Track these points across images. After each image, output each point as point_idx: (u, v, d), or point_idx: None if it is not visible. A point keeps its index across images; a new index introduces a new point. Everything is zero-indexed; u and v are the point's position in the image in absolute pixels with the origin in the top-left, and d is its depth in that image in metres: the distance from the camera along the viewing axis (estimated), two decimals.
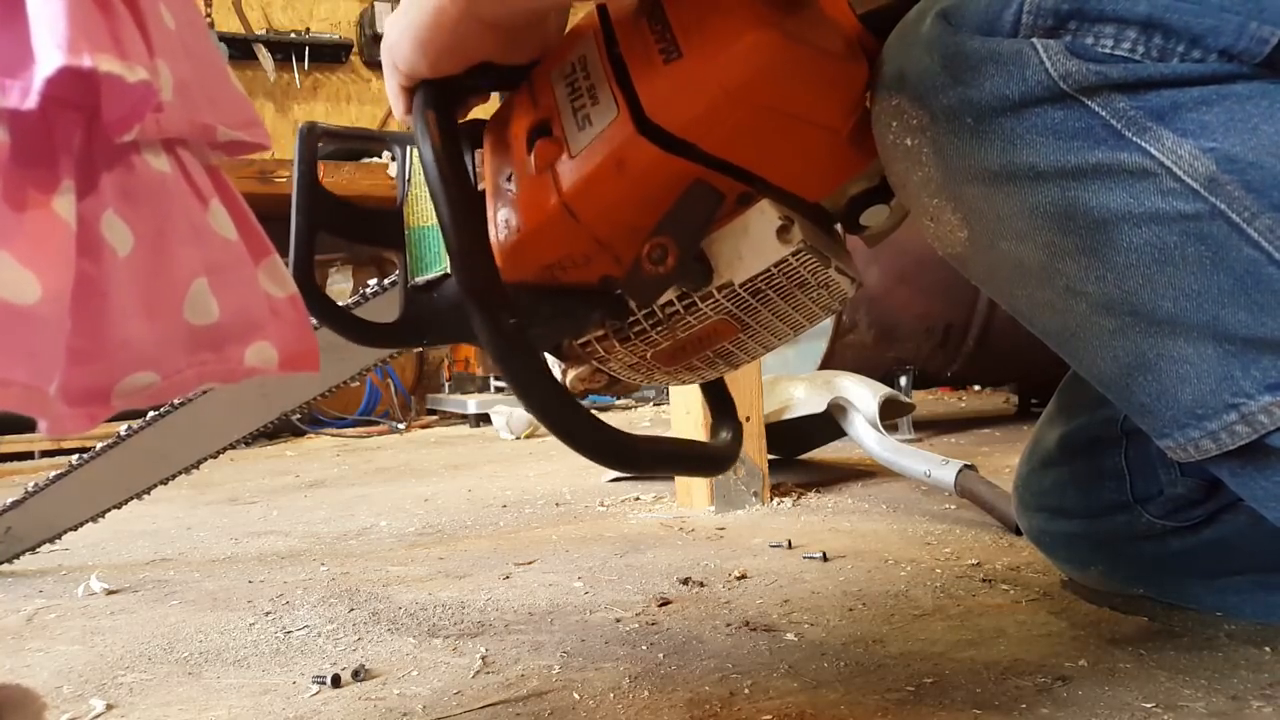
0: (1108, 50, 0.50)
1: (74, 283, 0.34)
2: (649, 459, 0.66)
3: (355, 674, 0.79)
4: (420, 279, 0.67)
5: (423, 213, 0.70)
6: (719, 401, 0.78)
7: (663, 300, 0.64)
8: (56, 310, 0.33)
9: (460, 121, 0.68)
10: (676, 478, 1.49)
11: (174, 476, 1.17)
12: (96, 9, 0.33)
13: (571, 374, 0.69)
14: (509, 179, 0.63)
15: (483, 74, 0.64)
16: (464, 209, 0.59)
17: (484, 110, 0.68)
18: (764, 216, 0.61)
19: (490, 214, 0.64)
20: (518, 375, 0.59)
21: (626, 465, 0.65)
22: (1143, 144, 0.50)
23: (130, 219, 0.37)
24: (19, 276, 0.32)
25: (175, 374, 0.39)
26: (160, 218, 0.38)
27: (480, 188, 0.66)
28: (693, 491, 1.45)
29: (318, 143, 0.68)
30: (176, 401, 1.11)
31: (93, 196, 0.36)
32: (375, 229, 0.71)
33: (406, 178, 0.71)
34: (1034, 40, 0.51)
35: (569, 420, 0.60)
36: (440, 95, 0.62)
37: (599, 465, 0.64)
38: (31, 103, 0.32)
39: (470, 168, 0.67)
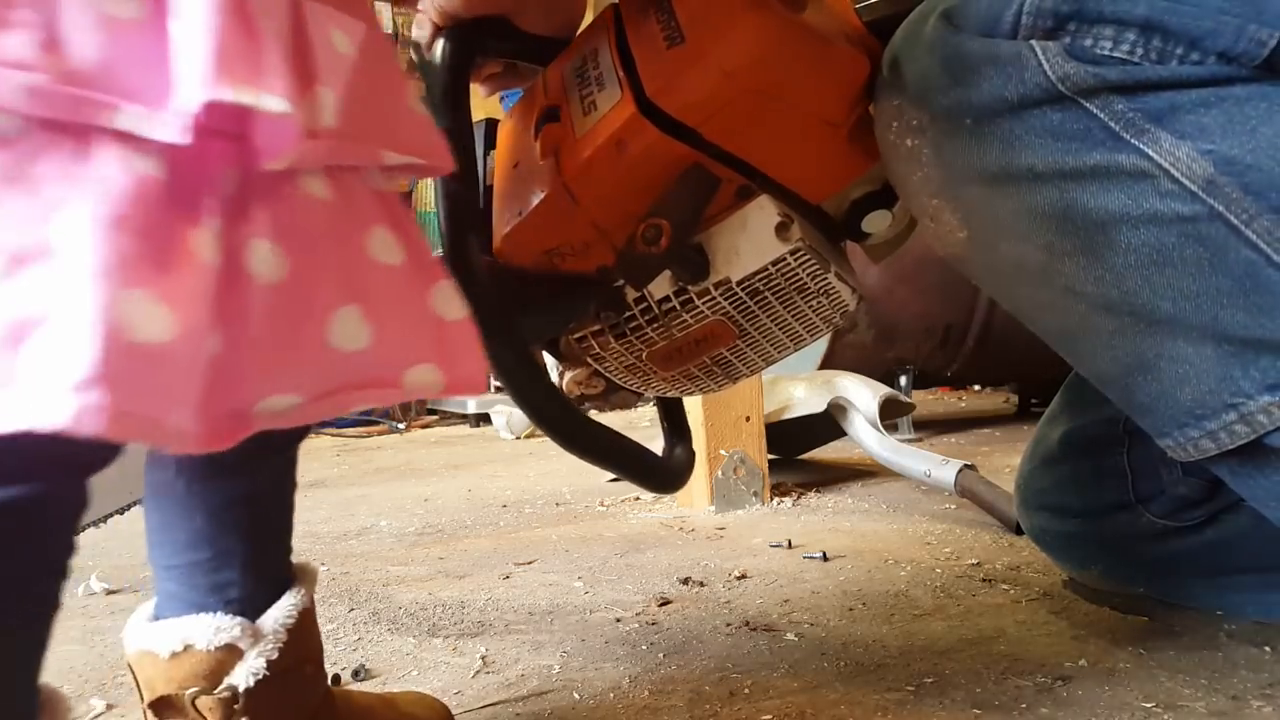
0: (1106, 52, 0.50)
1: (212, 312, 0.35)
2: (604, 448, 0.65)
3: (355, 674, 0.79)
4: None
5: (430, 199, 0.71)
6: (676, 423, 0.78)
7: (659, 295, 0.64)
8: (190, 346, 0.34)
9: (481, 118, 0.69)
10: None
11: None
12: (243, 38, 0.34)
13: (569, 376, 0.69)
14: (516, 165, 0.64)
15: (506, 35, 0.65)
16: (453, 132, 0.60)
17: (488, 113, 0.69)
18: (763, 212, 0.61)
19: (496, 203, 0.65)
20: (479, 302, 0.59)
21: (573, 445, 0.64)
22: (1141, 146, 0.50)
23: (282, 245, 0.37)
24: (154, 313, 0.32)
25: (323, 396, 0.39)
26: (311, 246, 0.38)
27: (488, 183, 0.67)
28: (693, 491, 1.45)
29: None
30: None
31: (242, 225, 0.36)
32: None
33: None
34: (1033, 42, 0.51)
35: (517, 369, 0.60)
36: (462, 37, 0.64)
37: (539, 429, 0.64)
38: (186, 138, 0.33)
39: (482, 170, 0.68)
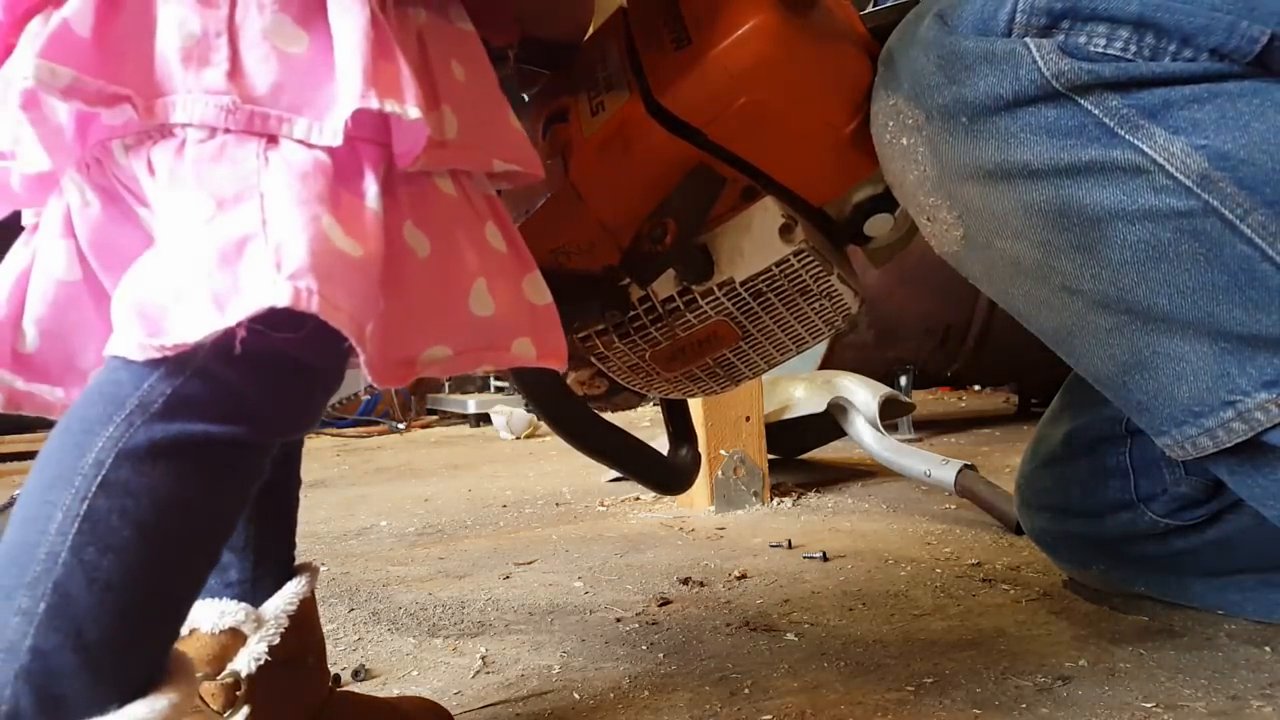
0: (1100, 49, 0.51)
1: (384, 274, 0.43)
2: (613, 448, 0.66)
3: (355, 674, 0.79)
4: None
5: None
6: (681, 425, 0.78)
7: (664, 295, 0.65)
8: (373, 271, 0.42)
9: None
10: None
11: None
12: (387, 65, 0.43)
13: (572, 376, 0.69)
14: None
15: (518, 44, 0.66)
16: None
17: None
18: (767, 213, 0.62)
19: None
20: None
21: (583, 444, 0.65)
22: (1135, 141, 0.50)
23: (425, 229, 0.46)
24: (347, 240, 0.41)
25: (464, 351, 0.47)
26: (448, 230, 0.47)
27: None
28: (693, 491, 1.44)
29: None
30: None
31: (396, 209, 0.45)
32: None
33: None
34: (1027, 40, 0.52)
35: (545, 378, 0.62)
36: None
37: (550, 427, 0.66)
38: (339, 140, 0.42)
39: None
